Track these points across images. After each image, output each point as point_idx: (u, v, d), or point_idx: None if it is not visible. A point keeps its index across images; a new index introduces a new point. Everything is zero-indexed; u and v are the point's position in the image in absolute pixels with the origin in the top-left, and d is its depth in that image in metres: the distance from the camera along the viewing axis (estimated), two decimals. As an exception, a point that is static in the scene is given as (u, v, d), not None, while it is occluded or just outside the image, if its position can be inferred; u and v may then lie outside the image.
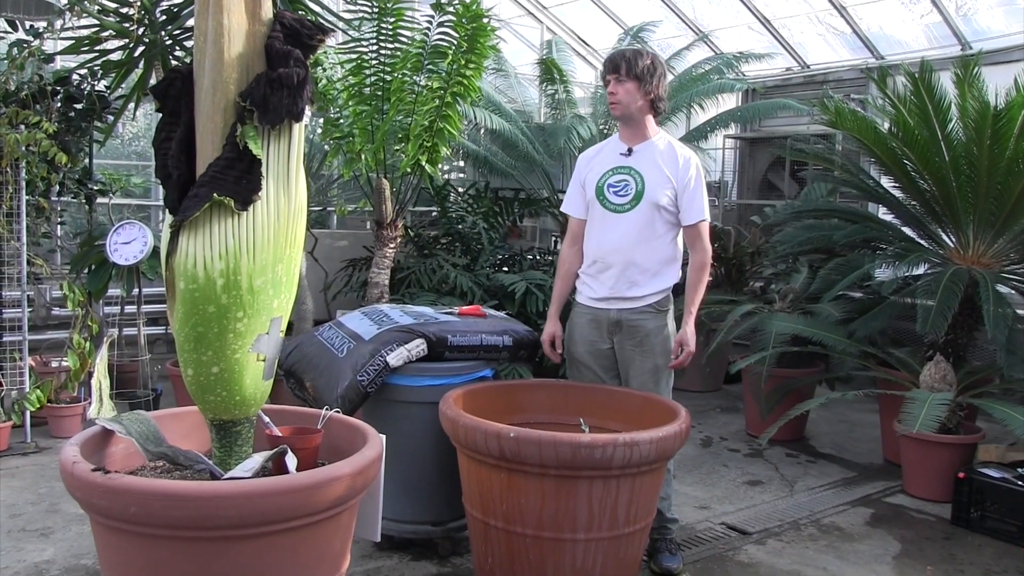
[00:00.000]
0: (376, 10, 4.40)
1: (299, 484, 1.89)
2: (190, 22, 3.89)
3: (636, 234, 2.97)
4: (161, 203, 3.06)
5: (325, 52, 4.89)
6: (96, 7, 3.78)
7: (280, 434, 2.22)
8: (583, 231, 3.13)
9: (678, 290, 3.10)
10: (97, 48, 3.98)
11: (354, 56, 4.55)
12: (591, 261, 3.08)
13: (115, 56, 4.07)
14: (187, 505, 1.78)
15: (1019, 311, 4.12)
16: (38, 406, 4.25)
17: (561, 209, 3.24)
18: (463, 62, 4.37)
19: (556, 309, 3.21)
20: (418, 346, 2.95)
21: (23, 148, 4.03)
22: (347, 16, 4.56)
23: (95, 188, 4.96)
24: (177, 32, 4.01)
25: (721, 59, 6.69)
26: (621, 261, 2.99)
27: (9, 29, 4.37)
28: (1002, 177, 3.97)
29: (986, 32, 6.22)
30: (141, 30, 3.87)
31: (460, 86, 4.42)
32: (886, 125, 4.53)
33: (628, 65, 2.92)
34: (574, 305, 3.18)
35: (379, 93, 4.56)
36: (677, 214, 3.00)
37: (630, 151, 3.03)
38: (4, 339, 4.22)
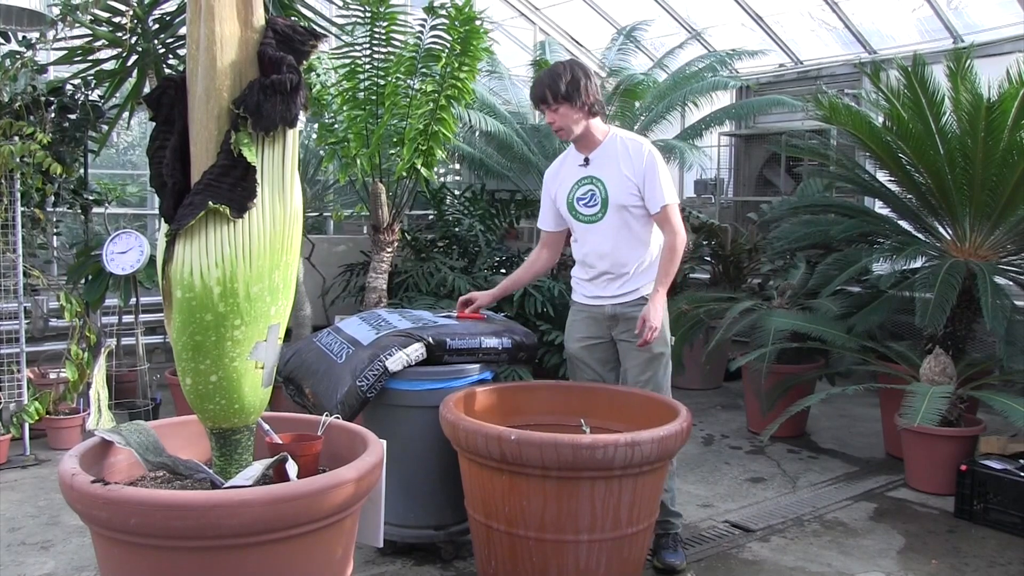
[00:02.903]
0: (369, 15, 4.40)
1: (301, 491, 1.88)
2: (182, 30, 3.89)
3: (613, 238, 3.03)
4: (157, 212, 3.06)
5: (319, 57, 4.89)
6: (88, 17, 3.77)
7: (280, 441, 2.21)
8: (553, 240, 3.28)
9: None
10: (90, 58, 3.99)
11: (347, 61, 4.55)
12: (581, 268, 3.17)
13: (108, 66, 4.07)
14: (188, 515, 1.77)
15: (1017, 302, 4.12)
16: (37, 418, 4.24)
17: (537, 225, 3.32)
18: (456, 65, 4.36)
19: (499, 289, 3.38)
20: (417, 350, 2.95)
21: (17, 159, 4.02)
22: (340, 21, 4.56)
23: (90, 198, 4.95)
24: (170, 40, 4.01)
25: (714, 57, 6.68)
26: (606, 265, 3.06)
27: (1, 40, 4.37)
28: (997, 169, 3.98)
29: (978, 25, 6.23)
30: (134, 39, 3.88)
31: (454, 89, 4.42)
32: (880, 119, 4.53)
33: (552, 92, 2.95)
34: (571, 304, 3.24)
35: (373, 97, 4.56)
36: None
37: (587, 160, 3.08)
38: (1, 351, 4.20)
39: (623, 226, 3.02)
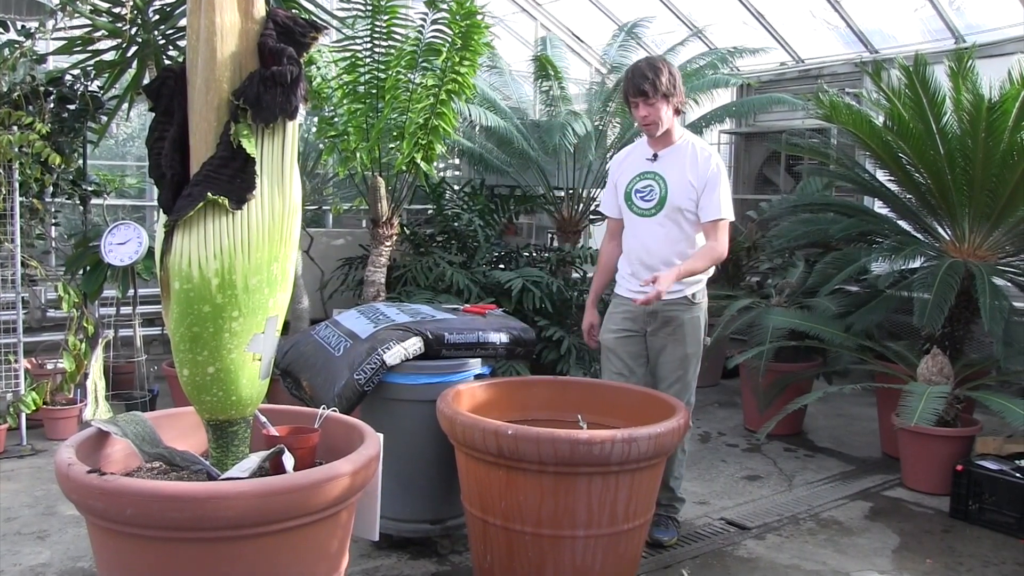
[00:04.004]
0: (370, 8, 4.39)
1: (297, 483, 1.88)
2: (183, 21, 3.88)
3: (664, 236, 3.09)
4: (155, 203, 3.06)
5: (319, 50, 4.88)
6: (88, 7, 3.77)
7: (277, 434, 2.21)
8: (619, 228, 3.28)
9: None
10: (90, 48, 3.98)
11: (348, 54, 4.54)
12: (626, 261, 3.22)
13: (108, 56, 4.06)
14: (184, 506, 1.77)
15: (1015, 303, 4.12)
16: (34, 408, 4.24)
17: (599, 210, 3.36)
18: (457, 59, 4.35)
19: (592, 299, 3.38)
20: (415, 344, 2.95)
21: (16, 149, 4.01)
22: (341, 14, 4.55)
23: (89, 189, 4.94)
24: (170, 31, 4.00)
25: (715, 54, 6.68)
26: (653, 262, 3.10)
27: (1, 30, 4.35)
28: (997, 169, 3.98)
29: (980, 25, 6.22)
30: (134, 30, 3.87)
31: (454, 83, 4.41)
32: (881, 119, 4.53)
33: (654, 86, 2.96)
34: (612, 296, 3.31)
35: (373, 91, 4.55)
36: None
37: (656, 156, 3.12)
38: (-1, 341, 4.21)
39: (675, 226, 3.09)
